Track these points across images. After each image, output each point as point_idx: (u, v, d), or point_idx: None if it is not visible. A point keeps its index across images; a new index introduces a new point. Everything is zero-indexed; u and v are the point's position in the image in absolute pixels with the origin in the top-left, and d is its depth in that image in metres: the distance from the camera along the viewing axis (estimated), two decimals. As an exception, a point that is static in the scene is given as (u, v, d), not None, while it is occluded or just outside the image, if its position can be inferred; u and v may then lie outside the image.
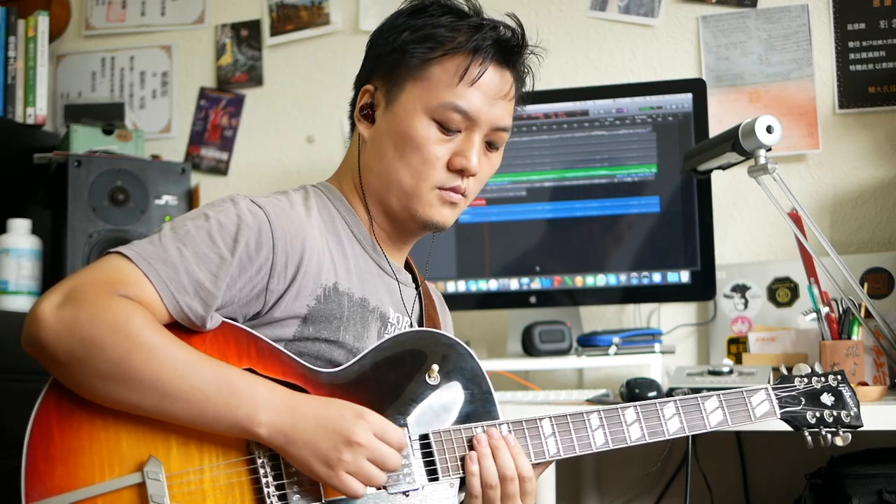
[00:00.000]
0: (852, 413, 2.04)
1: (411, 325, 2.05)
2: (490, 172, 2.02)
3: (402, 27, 1.94)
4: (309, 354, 1.83)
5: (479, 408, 1.87)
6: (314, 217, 1.89)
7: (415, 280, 2.12)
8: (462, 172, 1.92)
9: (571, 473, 3.24)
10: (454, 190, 1.93)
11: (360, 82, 2.02)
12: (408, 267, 2.12)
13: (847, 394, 2.05)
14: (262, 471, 1.69)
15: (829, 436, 2.03)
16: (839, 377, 2.06)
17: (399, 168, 1.92)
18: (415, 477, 1.78)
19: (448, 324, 2.24)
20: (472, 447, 1.81)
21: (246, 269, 1.75)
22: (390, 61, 1.94)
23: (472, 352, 1.90)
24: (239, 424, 1.65)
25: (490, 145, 1.98)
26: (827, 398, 2.04)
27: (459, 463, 1.81)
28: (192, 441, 1.67)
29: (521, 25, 1.97)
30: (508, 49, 1.95)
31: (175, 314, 1.69)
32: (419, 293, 2.11)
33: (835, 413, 2.03)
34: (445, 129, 1.91)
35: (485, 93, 1.91)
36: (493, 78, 1.93)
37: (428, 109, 1.90)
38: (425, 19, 1.93)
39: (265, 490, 1.69)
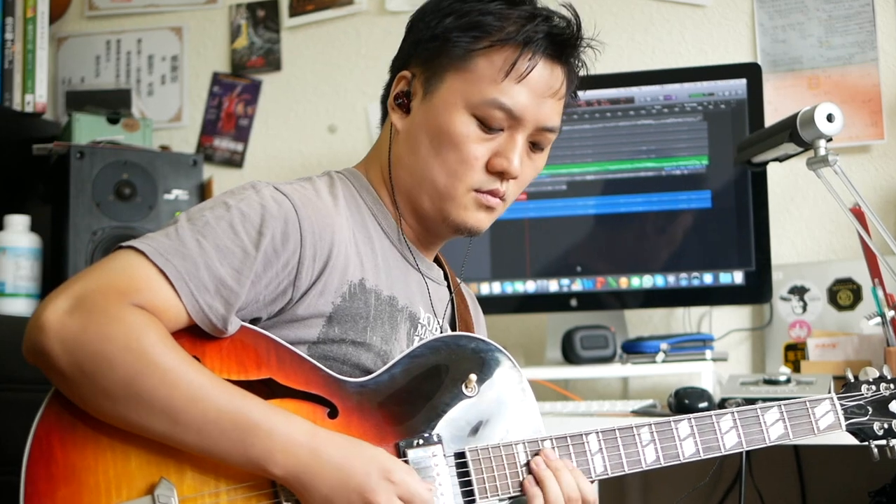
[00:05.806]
0: None
1: (441, 328, 2.04)
2: (532, 175, 1.99)
3: (447, 10, 1.91)
4: (334, 359, 1.80)
5: (520, 422, 1.85)
6: (341, 207, 1.87)
7: (446, 278, 2.10)
8: (502, 175, 1.90)
9: (616, 488, 3.25)
10: (492, 193, 1.91)
11: (396, 66, 2.00)
12: (437, 264, 2.10)
13: None
14: (283, 494, 1.66)
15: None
16: None
17: (433, 165, 1.89)
18: (449, 499, 1.75)
19: (481, 327, 2.22)
20: (528, 470, 1.79)
21: (272, 265, 1.72)
22: (431, 48, 1.91)
23: (513, 359, 1.88)
24: (252, 462, 1.62)
25: (534, 146, 1.95)
26: (896, 406, 2.03)
27: (498, 484, 1.79)
28: (207, 462, 1.64)
29: (577, 17, 1.94)
30: (561, 43, 1.91)
31: (194, 315, 1.66)
32: (451, 293, 2.10)
33: (904, 423, 2.02)
34: (487, 126, 1.87)
35: (532, 90, 1.88)
36: (543, 74, 1.89)
37: (469, 105, 1.87)
38: (473, 4, 1.89)
39: (285, 517, 1.67)
